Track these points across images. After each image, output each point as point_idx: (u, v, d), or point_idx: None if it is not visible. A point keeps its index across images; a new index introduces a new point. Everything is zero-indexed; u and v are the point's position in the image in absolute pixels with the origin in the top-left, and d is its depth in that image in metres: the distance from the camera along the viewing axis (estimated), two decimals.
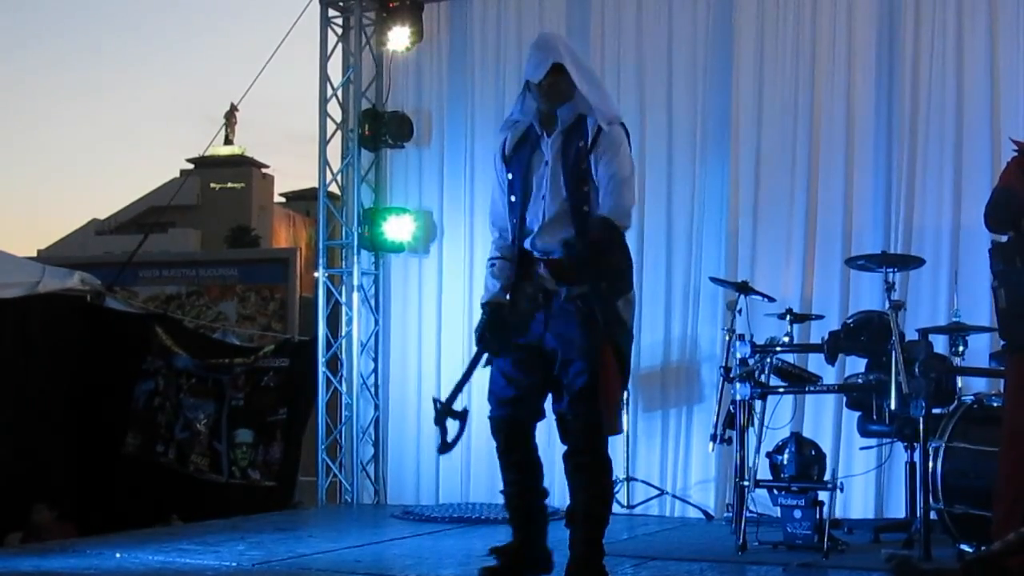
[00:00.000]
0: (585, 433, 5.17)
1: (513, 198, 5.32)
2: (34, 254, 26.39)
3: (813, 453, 6.77)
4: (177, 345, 10.67)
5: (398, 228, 9.32)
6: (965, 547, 5.85)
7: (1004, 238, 5.40)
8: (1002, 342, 5.48)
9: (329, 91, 9.61)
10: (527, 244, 5.28)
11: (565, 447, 5.29)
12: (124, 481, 10.32)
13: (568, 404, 5.19)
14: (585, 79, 5.20)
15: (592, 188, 5.15)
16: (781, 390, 7.15)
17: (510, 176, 5.34)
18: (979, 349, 7.22)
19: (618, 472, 7.98)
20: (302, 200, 46.01)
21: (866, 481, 7.82)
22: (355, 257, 9.45)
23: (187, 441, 10.51)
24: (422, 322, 9.42)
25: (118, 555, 6.36)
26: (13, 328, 9.89)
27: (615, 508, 7.89)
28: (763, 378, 6.94)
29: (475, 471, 9.07)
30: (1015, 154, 5.46)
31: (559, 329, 5.15)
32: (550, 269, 5.18)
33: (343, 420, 9.45)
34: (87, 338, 10.43)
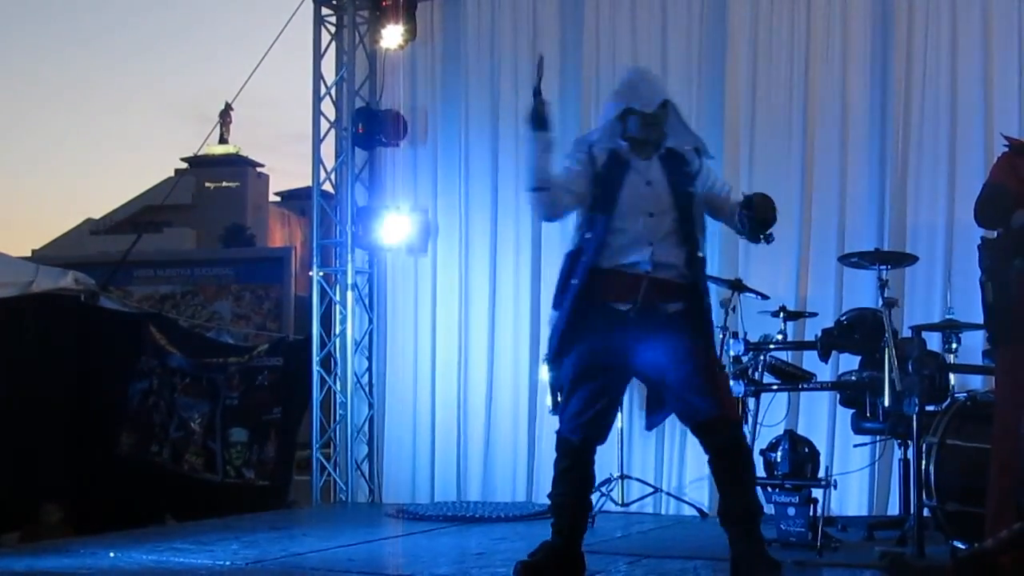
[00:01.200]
0: (736, 430, 5.37)
1: (595, 212, 5.39)
2: (29, 254, 26.38)
3: (807, 450, 6.77)
4: (171, 344, 10.67)
5: (392, 228, 9.32)
6: (958, 544, 5.85)
7: (994, 234, 5.41)
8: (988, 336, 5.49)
9: (323, 89, 9.60)
10: (621, 260, 5.33)
11: (712, 451, 5.35)
12: (118, 481, 10.30)
13: (710, 405, 5.25)
14: (681, 115, 5.55)
15: (696, 213, 5.41)
16: (775, 388, 7.16)
17: (598, 191, 5.40)
18: (973, 346, 7.22)
19: (612, 470, 8.01)
20: (297, 199, 46.01)
21: (860, 478, 7.83)
22: (349, 256, 9.44)
23: (181, 440, 10.51)
24: (417, 321, 9.42)
25: (112, 554, 6.36)
26: (7, 328, 9.87)
27: (609, 506, 7.98)
28: (757, 376, 6.95)
29: (471, 469, 9.07)
30: (1005, 150, 5.47)
31: (661, 346, 5.26)
32: (656, 287, 5.29)
33: (337, 419, 9.45)
34: (81, 338, 10.42)
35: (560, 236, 8.81)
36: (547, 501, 8.55)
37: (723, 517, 5.36)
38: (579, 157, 5.47)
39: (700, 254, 5.41)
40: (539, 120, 5.39)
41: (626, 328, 5.26)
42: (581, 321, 5.33)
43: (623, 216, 5.33)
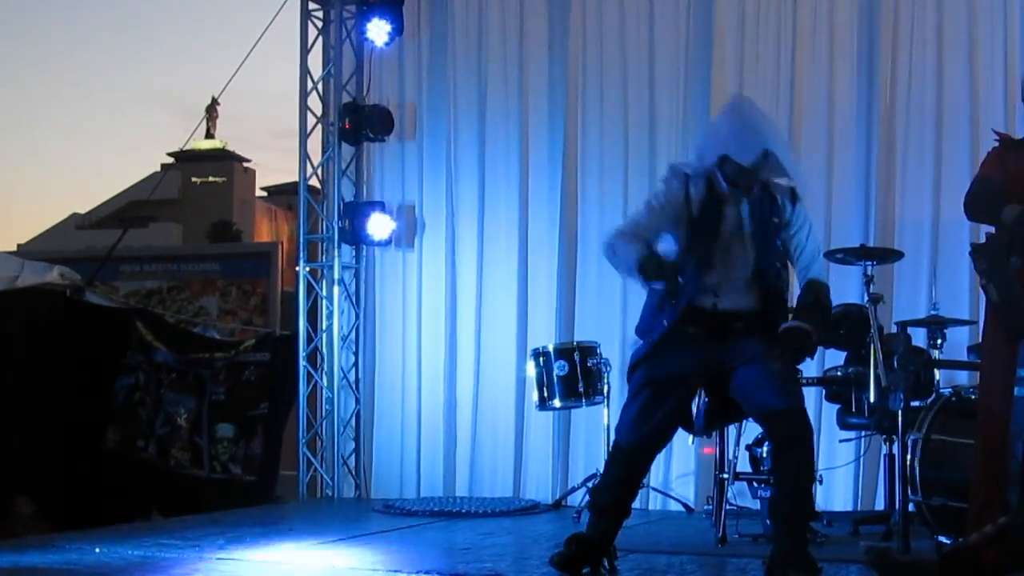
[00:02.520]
0: (805, 426, 5.33)
1: (687, 249, 5.36)
2: (14, 248, 26.29)
3: None
4: (157, 340, 10.65)
5: (379, 223, 9.31)
6: (943, 539, 5.87)
7: (983, 238, 5.41)
8: (982, 335, 5.50)
9: (309, 84, 9.58)
10: (699, 299, 5.35)
11: (776, 442, 5.50)
12: (104, 476, 10.29)
13: (787, 398, 5.29)
14: (786, 154, 5.40)
15: (779, 261, 5.44)
16: None
17: (693, 226, 5.37)
18: (958, 342, 7.26)
19: (599, 466, 8.00)
20: (284, 194, 45.92)
21: (845, 474, 7.86)
22: (336, 251, 9.43)
23: (168, 436, 10.49)
24: (404, 316, 9.41)
25: (98, 550, 6.34)
26: None
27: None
28: None
29: (458, 465, 9.07)
30: (996, 144, 5.47)
31: (735, 348, 5.32)
32: (730, 319, 5.34)
33: (324, 414, 9.44)
34: (67, 333, 10.39)
35: (547, 231, 8.85)
36: (534, 497, 8.66)
37: (772, 511, 5.46)
38: (671, 190, 5.43)
39: (775, 291, 5.42)
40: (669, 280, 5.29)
41: (691, 344, 5.35)
42: (664, 339, 5.38)
43: (710, 254, 5.36)
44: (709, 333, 5.34)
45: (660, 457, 8.39)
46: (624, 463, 5.55)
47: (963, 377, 7.32)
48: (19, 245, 36.00)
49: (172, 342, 10.71)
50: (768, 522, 5.40)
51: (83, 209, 50.28)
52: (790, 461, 5.31)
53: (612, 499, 5.57)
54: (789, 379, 5.44)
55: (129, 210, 42.78)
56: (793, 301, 5.63)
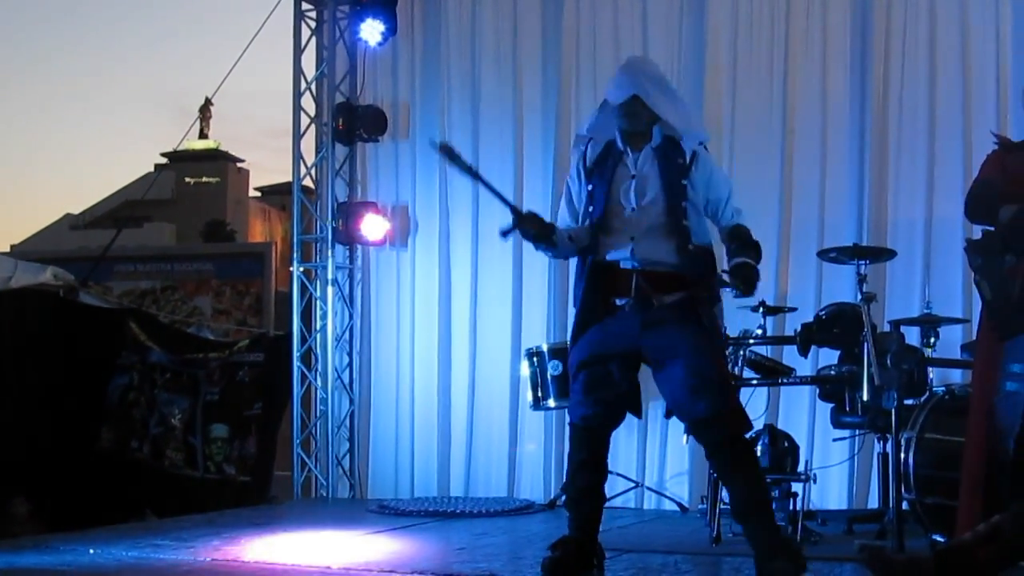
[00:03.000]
0: (736, 426, 5.30)
1: (592, 209, 5.48)
2: (7, 249, 26.26)
3: (787, 445, 6.81)
4: (151, 340, 10.65)
5: (373, 223, 9.31)
6: (937, 538, 5.88)
7: (977, 234, 5.43)
8: (975, 333, 5.51)
9: (303, 85, 9.59)
10: (609, 256, 5.41)
11: (707, 447, 5.39)
12: (98, 477, 10.28)
13: (713, 403, 5.23)
14: (669, 106, 5.45)
15: (689, 204, 5.39)
16: (754, 382, 7.17)
17: (591, 187, 5.50)
18: (951, 341, 7.27)
19: None
20: (277, 195, 45.89)
21: (839, 472, 7.87)
22: (329, 251, 9.43)
23: (162, 436, 10.49)
24: (398, 316, 9.41)
25: (92, 551, 6.33)
26: None
27: None
28: (736, 370, 6.96)
29: (453, 465, 9.08)
30: (995, 147, 5.48)
31: (660, 338, 5.30)
32: (649, 280, 5.34)
33: (318, 414, 9.44)
34: (61, 333, 10.38)
35: None
36: (528, 497, 8.67)
37: (734, 515, 5.42)
38: (575, 190, 5.58)
39: (691, 246, 5.36)
40: (539, 236, 5.39)
41: (626, 320, 5.34)
42: (590, 315, 5.42)
43: (610, 212, 5.41)
44: (634, 305, 5.32)
45: (654, 456, 8.45)
46: (583, 443, 5.46)
47: (957, 376, 7.34)
48: (13, 245, 35.93)
49: (166, 342, 10.71)
50: (740, 525, 5.37)
51: (77, 209, 50.21)
52: (722, 463, 5.36)
53: (583, 485, 5.48)
54: (719, 376, 5.35)
55: (123, 210, 42.72)
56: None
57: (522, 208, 5.44)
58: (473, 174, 5.57)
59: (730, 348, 6.88)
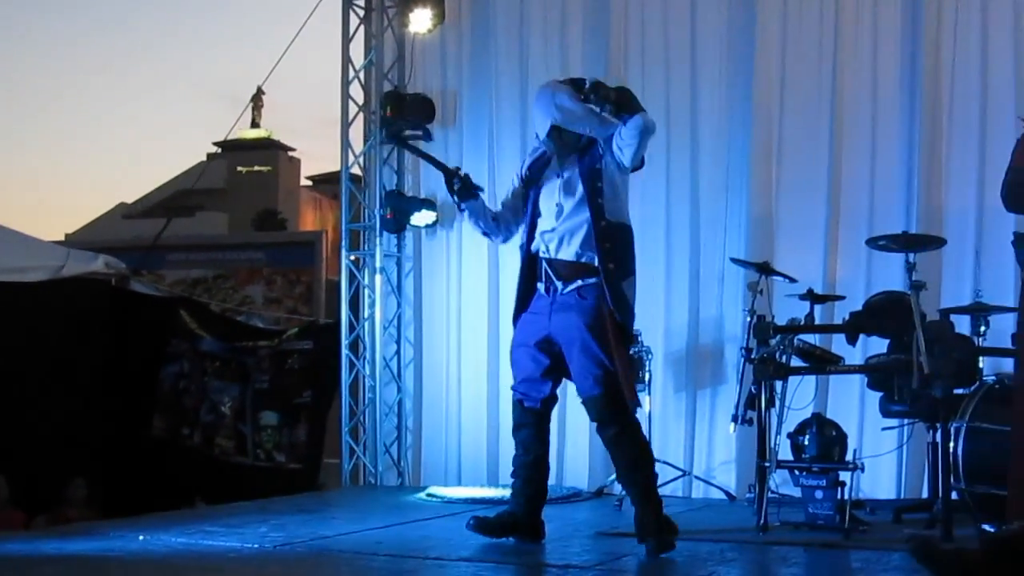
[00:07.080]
0: (609, 408, 5.87)
1: (529, 209, 6.14)
2: (62, 237, 26.52)
3: (835, 434, 6.77)
4: (202, 328, 10.72)
5: (421, 211, 9.33)
6: (987, 527, 5.83)
7: None
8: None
9: (351, 73, 9.61)
10: (535, 247, 6.10)
11: (596, 424, 6.02)
12: (150, 464, 10.37)
13: (589, 386, 5.88)
14: (582, 119, 5.94)
15: (605, 184, 5.94)
16: (803, 371, 7.13)
17: (531, 193, 6.15)
18: (1001, 329, 7.17)
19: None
20: (328, 183, 45.87)
21: (888, 461, 7.80)
22: (377, 239, 9.45)
23: (212, 424, 10.57)
24: (448, 304, 9.42)
25: (141, 537, 6.38)
26: (38, 311, 9.94)
27: None
28: (785, 359, 6.92)
29: (503, 453, 9.07)
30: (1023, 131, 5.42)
31: (561, 321, 5.93)
32: (553, 268, 5.98)
33: (366, 402, 9.46)
34: (113, 321, 10.47)
35: None
36: (575, 485, 8.66)
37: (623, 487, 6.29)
38: (518, 172, 6.31)
39: (604, 221, 5.85)
40: (464, 193, 6.24)
41: (544, 306, 6.00)
42: (522, 301, 6.16)
43: (541, 210, 6.05)
44: (548, 294, 5.97)
45: (702, 445, 8.42)
46: (519, 415, 6.21)
47: (1008, 364, 7.23)
48: (67, 234, 36.26)
49: (217, 330, 10.79)
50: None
51: (130, 198, 50.46)
52: (606, 441, 5.96)
53: (517, 453, 6.21)
54: (600, 360, 5.81)
55: (176, 199, 42.92)
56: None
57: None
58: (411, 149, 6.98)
59: (778, 337, 6.85)
